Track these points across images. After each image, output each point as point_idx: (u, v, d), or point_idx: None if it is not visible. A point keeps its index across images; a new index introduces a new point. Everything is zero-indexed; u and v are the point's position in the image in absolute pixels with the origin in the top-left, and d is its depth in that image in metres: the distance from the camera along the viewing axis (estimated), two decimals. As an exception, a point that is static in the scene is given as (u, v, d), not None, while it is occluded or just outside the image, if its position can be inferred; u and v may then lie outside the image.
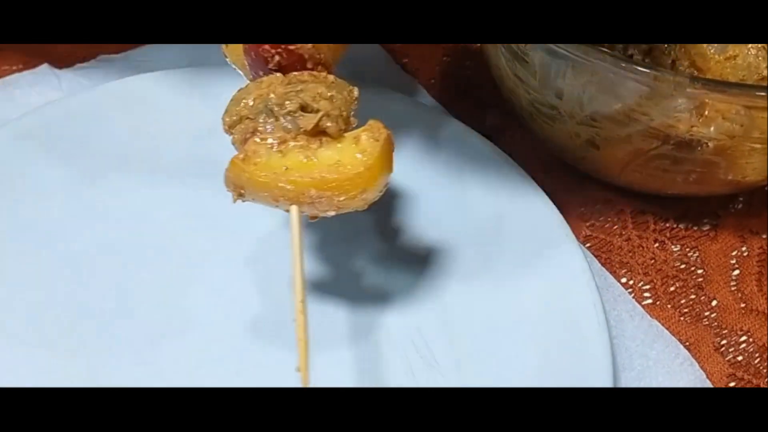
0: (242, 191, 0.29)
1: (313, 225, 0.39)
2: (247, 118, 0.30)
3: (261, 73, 0.31)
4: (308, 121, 0.29)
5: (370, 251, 0.39)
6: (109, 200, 0.40)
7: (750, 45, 0.39)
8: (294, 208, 0.29)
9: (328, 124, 0.29)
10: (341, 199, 0.29)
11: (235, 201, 0.30)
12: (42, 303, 0.36)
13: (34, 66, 0.48)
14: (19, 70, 0.47)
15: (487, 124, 0.47)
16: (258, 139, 0.29)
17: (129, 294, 0.36)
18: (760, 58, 0.39)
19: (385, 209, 0.40)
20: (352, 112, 0.31)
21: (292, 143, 0.29)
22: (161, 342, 0.35)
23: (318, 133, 0.29)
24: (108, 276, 0.37)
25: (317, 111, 0.29)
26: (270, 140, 0.29)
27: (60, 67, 0.48)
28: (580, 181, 0.44)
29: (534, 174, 0.44)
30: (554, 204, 0.39)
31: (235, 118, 0.30)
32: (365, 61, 0.50)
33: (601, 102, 0.36)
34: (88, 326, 0.35)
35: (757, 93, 0.33)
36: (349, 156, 0.29)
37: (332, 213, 0.30)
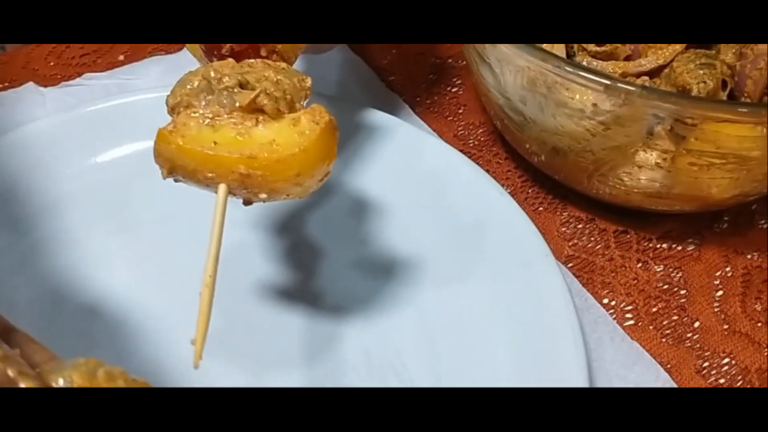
0: (171, 167, 0.28)
1: (285, 231, 0.40)
2: (187, 96, 0.29)
3: (215, 60, 0.31)
4: (244, 97, 0.28)
5: (342, 261, 0.39)
6: (90, 215, 0.40)
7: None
8: (222, 187, 0.28)
9: (265, 101, 0.28)
10: (274, 180, 0.28)
11: (165, 177, 0.29)
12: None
13: (20, 84, 0.48)
14: (4, 89, 0.48)
15: (470, 143, 0.47)
16: (190, 112, 0.28)
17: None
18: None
19: (359, 222, 0.40)
20: (302, 101, 0.30)
21: (226, 119, 0.28)
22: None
23: (255, 110, 0.28)
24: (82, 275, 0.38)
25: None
26: (202, 113, 0.28)
27: (45, 86, 0.48)
28: (562, 199, 0.43)
29: (516, 192, 0.44)
30: (536, 222, 0.38)
31: (178, 99, 0.29)
32: (350, 78, 0.50)
33: (558, 110, 0.36)
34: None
35: (710, 104, 0.33)
36: (284, 136, 0.28)
37: (264, 195, 0.28)
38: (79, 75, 0.49)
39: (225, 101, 0.28)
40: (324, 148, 0.29)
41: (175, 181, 0.29)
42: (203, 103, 0.28)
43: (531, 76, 0.35)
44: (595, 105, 0.34)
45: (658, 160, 0.36)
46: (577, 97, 0.35)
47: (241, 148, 0.28)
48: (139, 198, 0.41)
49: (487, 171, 0.42)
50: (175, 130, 0.28)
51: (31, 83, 0.48)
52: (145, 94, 0.44)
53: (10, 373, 0.21)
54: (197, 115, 0.28)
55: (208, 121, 0.28)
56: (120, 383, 0.22)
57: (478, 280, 0.37)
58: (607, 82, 0.33)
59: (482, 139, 0.47)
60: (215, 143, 0.28)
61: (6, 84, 0.48)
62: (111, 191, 0.41)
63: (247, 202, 0.30)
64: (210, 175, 0.28)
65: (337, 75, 0.50)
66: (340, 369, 0.34)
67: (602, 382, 0.35)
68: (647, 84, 0.41)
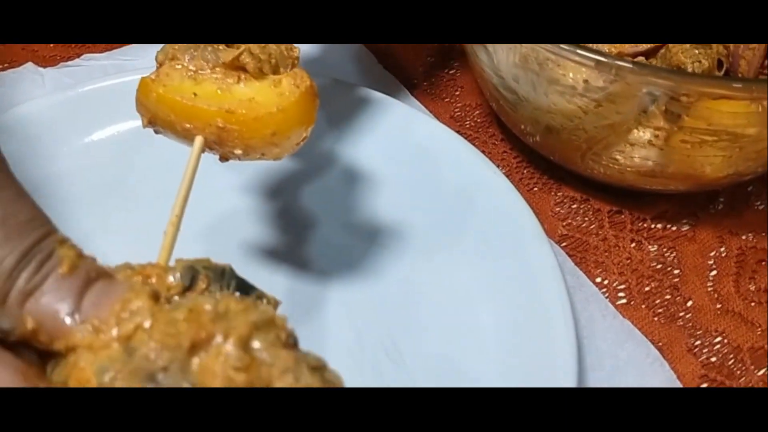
0: (152, 116, 0.29)
1: (277, 199, 0.40)
2: (174, 50, 0.30)
3: None
4: (228, 54, 0.29)
5: (332, 231, 0.39)
6: (87, 192, 0.40)
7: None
8: (198, 139, 0.29)
9: (248, 60, 0.29)
10: (249, 137, 0.28)
11: (144, 126, 0.30)
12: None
13: (19, 64, 0.48)
14: (4, 69, 0.48)
15: (467, 124, 0.47)
16: (174, 64, 0.29)
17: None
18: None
19: (351, 196, 0.40)
20: (288, 68, 0.31)
21: (208, 73, 0.29)
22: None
23: (238, 69, 0.29)
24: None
25: None
26: (185, 65, 0.29)
27: (44, 66, 0.48)
28: (557, 180, 0.43)
29: (511, 173, 0.44)
30: (530, 202, 0.38)
31: (165, 54, 0.30)
32: (348, 59, 0.50)
33: (550, 88, 0.36)
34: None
35: (701, 80, 0.33)
36: (264, 95, 0.29)
37: (239, 152, 0.29)
38: (78, 56, 0.49)
39: (209, 57, 0.29)
40: (302, 112, 0.29)
41: (156, 132, 0.30)
42: (188, 57, 0.29)
43: (523, 53, 0.36)
44: (586, 82, 0.34)
45: (651, 138, 0.36)
46: (570, 74, 0.35)
47: (220, 102, 0.28)
48: (135, 175, 0.41)
49: (483, 152, 0.42)
50: (158, 80, 0.29)
51: (30, 63, 0.48)
52: (141, 74, 0.44)
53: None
54: (180, 67, 0.29)
55: (190, 73, 0.29)
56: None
57: (470, 258, 0.37)
58: (599, 58, 0.33)
59: (479, 120, 0.47)
60: (195, 95, 0.28)
61: (6, 64, 0.48)
62: (107, 168, 0.41)
63: (224, 159, 0.30)
64: (188, 126, 0.29)
65: (336, 56, 0.50)
66: (323, 335, 0.35)
67: (592, 359, 0.35)
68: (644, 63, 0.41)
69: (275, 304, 0.24)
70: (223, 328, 0.21)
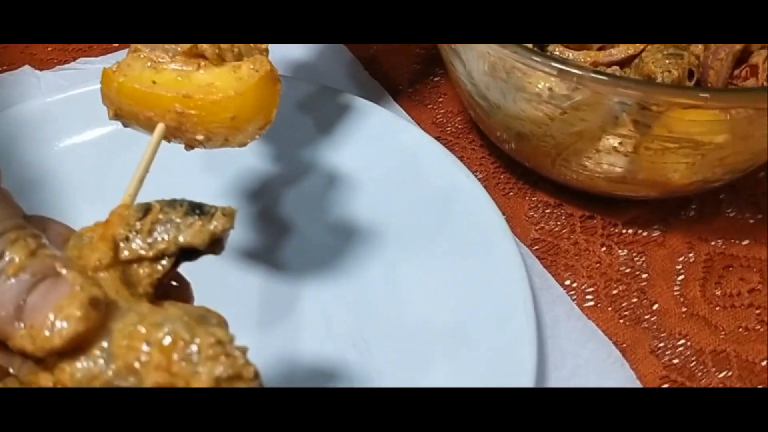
0: (116, 108, 0.30)
1: (257, 200, 0.42)
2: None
3: None
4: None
5: (310, 232, 0.41)
6: (78, 190, 0.42)
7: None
8: (159, 126, 0.29)
9: (206, 47, 0.30)
10: (209, 121, 0.29)
11: (111, 119, 0.31)
12: None
13: (17, 67, 0.50)
14: (2, 71, 0.50)
15: (448, 130, 0.48)
16: (136, 55, 0.30)
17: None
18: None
19: (329, 198, 0.42)
20: (254, 57, 0.31)
21: (168, 62, 0.30)
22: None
23: (197, 56, 0.30)
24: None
25: None
26: (146, 56, 0.30)
27: (41, 69, 0.50)
28: (532, 185, 0.45)
29: (488, 177, 0.45)
30: (505, 207, 0.39)
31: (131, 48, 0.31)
32: (333, 65, 0.52)
33: (518, 95, 0.37)
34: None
35: (662, 89, 0.34)
36: (223, 81, 0.30)
37: (201, 137, 0.30)
38: (74, 59, 0.51)
39: (169, 46, 0.30)
40: (261, 96, 0.30)
41: (124, 125, 0.31)
42: (148, 48, 0.30)
43: (491, 62, 0.37)
44: (551, 90, 0.35)
45: (616, 145, 0.37)
46: (538, 83, 0.36)
47: (179, 88, 0.29)
48: (125, 173, 0.42)
49: (462, 157, 0.43)
50: (119, 70, 0.30)
51: (27, 66, 0.50)
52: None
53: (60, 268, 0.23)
54: (142, 57, 0.30)
55: (150, 63, 0.30)
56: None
57: (439, 258, 0.38)
58: (561, 67, 0.33)
59: (459, 126, 0.49)
60: (154, 83, 0.29)
61: (5, 67, 0.50)
62: (98, 167, 0.43)
63: (188, 147, 0.31)
64: (149, 114, 0.30)
65: (321, 61, 0.51)
66: (295, 327, 0.36)
67: (555, 358, 0.36)
68: (617, 73, 0.42)
69: (231, 213, 0.25)
70: (187, 375, 0.22)
